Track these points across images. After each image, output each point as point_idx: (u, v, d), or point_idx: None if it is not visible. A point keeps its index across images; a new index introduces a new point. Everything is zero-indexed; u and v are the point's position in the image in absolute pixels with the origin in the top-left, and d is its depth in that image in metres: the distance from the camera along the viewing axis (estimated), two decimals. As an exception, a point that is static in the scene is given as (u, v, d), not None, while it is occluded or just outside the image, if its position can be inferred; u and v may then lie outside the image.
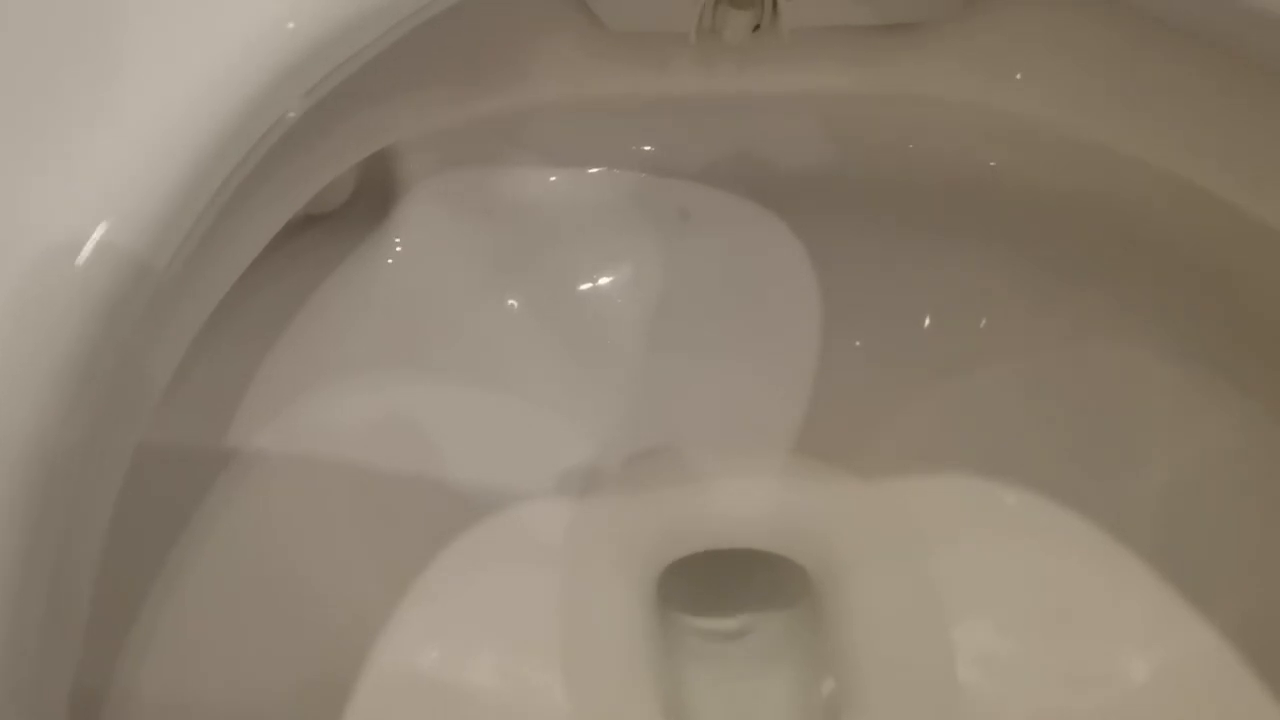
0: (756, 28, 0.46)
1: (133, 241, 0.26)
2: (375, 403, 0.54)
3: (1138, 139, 0.45)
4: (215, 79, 0.28)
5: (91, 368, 0.26)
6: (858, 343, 0.57)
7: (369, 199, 0.54)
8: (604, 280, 0.57)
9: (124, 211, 0.26)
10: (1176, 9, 0.32)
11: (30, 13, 0.30)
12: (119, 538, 0.31)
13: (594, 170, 0.56)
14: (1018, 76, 0.48)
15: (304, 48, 0.29)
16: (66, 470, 0.27)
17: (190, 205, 0.27)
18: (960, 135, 0.52)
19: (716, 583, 0.59)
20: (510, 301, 0.57)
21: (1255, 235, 0.43)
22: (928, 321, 0.56)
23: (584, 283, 0.58)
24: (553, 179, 0.56)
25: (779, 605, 0.58)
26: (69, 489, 0.28)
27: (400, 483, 0.54)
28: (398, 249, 0.54)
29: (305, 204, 0.44)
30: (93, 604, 0.30)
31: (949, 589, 0.54)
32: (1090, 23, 0.44)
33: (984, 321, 0.55)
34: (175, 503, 0.48)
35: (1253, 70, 0.37)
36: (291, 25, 0.29)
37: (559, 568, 0.55)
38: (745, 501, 0.57)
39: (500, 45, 0.47)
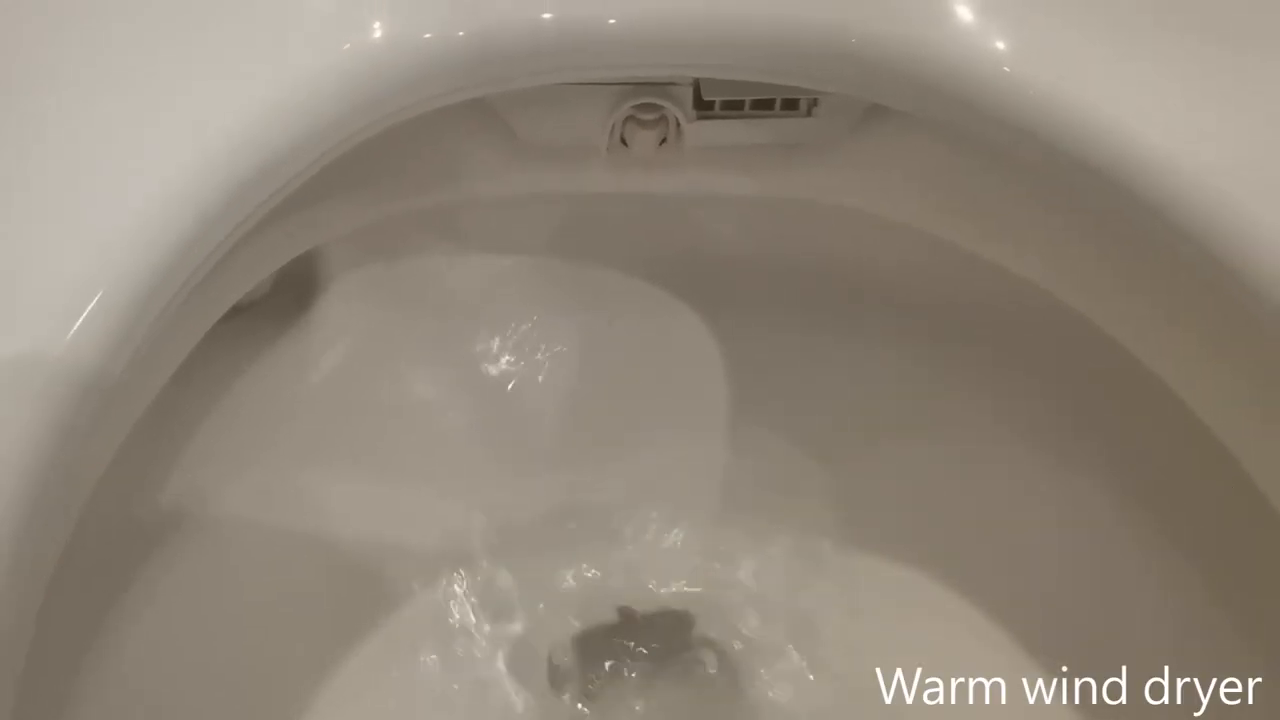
0: (663, 142, 0.50)
1: (93, 356, 0.28)
2: (295, 492, 0.55)
3: (995, 249, 0.50)
4: (155, 213, 0.30)
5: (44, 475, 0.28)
6: (767, 428, 0.59)
7: (290, 290, 0.55)
8: (523, 368, 0.59)
9: (88, 324, 0.28)
10: (1021, 153, 0.36)
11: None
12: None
13: (513, 261, 0.58)
14: (895, 191, 0.52)
15: (239, 182, 0.31)
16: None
17: (142, 320, 0.29)
18: (852, 239, 0.56)
19: (630, 662, 0.60)
20: (429, 390, 0.59)
21: (1111, 350, 0.47)
22: (833, 407, 0.59)
23: (503, 371, 0.59)
24: (472, 270, 0.58)
25: (692, 684, 0.59)
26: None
27: (315, 573, 0.54)
28: (318, 340, 0.55)
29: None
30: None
31: (858, 669, 0.54)
32: (949, 151, 0.49)
33: (878, 411, 0.59)
34: (101, 579, 0.48)
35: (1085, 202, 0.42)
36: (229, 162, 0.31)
37: (475, 654, 0.56)
38: (658, 580, 0.59)
39: (425, 155, 0.50)
